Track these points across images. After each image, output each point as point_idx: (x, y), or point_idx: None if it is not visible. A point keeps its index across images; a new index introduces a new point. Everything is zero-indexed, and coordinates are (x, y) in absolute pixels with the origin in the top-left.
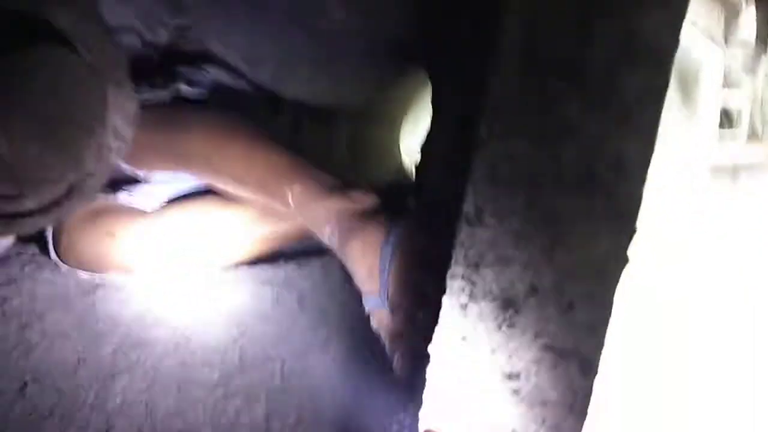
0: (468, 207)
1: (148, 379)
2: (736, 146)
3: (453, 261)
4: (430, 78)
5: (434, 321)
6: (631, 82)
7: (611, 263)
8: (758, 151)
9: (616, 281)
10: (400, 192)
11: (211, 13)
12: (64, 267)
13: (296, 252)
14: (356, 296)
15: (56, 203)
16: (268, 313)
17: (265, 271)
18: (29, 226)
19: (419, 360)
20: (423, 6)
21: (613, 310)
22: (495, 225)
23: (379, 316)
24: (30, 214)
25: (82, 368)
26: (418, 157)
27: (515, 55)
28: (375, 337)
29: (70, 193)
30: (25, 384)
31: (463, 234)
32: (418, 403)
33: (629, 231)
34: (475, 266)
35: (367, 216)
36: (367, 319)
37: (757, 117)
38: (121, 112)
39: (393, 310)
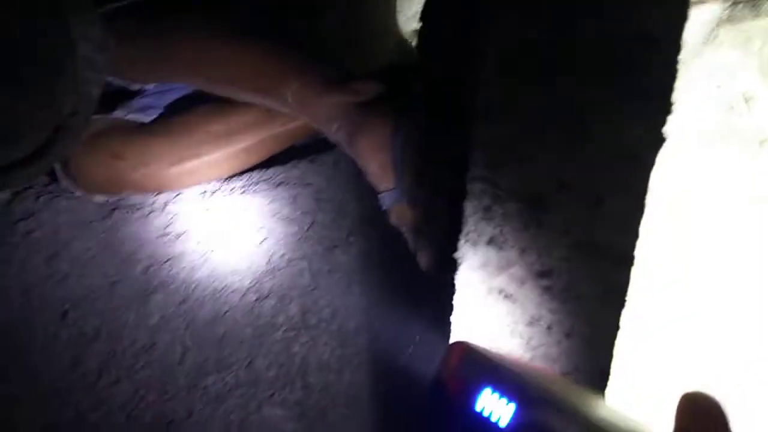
0: (482, 102)
1: (182, 293)
2: None
3: (472, 163)
4: None
5: (455, 213)
6: None
7: (644, 148)
8: None
9: (651, 167)
10: (403, 74)
11: None
12: (78, 192)
13: (308, 148)
14: (372, 188)
15: (45, 148)
16: (287, 214)
17: (280, 172)
18: (25, 177)
19: (443, 254)
20: None
21: (647, 199)
22: (513, 120)
23: (398, 211)
24: (21, 163)
25: (117, 290)
26: (417, 25)
27: None
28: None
29: (57, 134)
30: (66, 311)
31: (480, 133)
32: (445, 299)
33: (665, 109)
34: (496, 166)
35: (372, 108)
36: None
37: None
38: (89, 39)
39: (411, 204)
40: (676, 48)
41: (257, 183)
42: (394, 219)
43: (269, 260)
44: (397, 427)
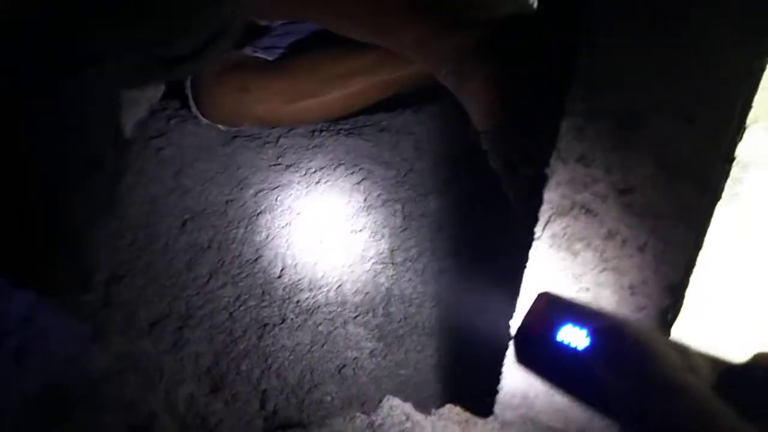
0: (588, 27)
1: (286, 217)
2: None
3: (574, 84)
4: None
5: (550, 149)
6: None
7: (737, 78)
8: None
9: (741, 94)
10: (520, 22)
11: None
12: (204, 120)
13: (413, 98)
14: (472, 140)
15: (205, 47)
16: (388, 158)
17: (384, 117)
18: (185, 70)
19: (533, 192)
20: None
21: (735, 124)
22: (615, 44)
23: (499, 152)
24: (184, 58)
25: (230, 208)
26: None
27: None
28: (493, 179)
29: (216, 38)
30: (185, 221)
31: (584, 56)
32: (532, 229)
33: (761, 42)
34: (594, 88)
35: (484, 51)
36: (485, 160)
37: None
38: None
39: (509, 144)
40: None
41: (362, 126)
42: (492, 159)
43: (366, 198)
44: (467, 361)
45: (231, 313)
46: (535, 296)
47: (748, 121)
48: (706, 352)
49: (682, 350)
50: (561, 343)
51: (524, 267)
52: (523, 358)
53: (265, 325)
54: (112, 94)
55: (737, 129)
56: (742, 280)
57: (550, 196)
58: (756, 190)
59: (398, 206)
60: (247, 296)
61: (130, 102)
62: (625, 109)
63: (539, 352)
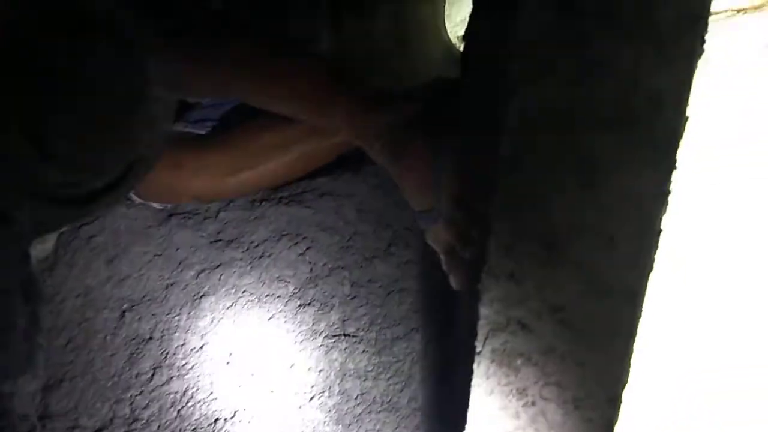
0: (504, 151)
1: (231, 297)
2: None
3: (496, 203)
4: None
5: (485, 241)
6: (665, 14)
7: (651, 198)
8: None
9: (659, 215)
10: (449, 87)
11: None
12: (137, 200)
13: (352, 158)
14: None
15: (122, 178)
16: (331, 224)
17: (324, 182)
18: (104, 205)
19: (474, 275)
20: None
21: (656, 243)
22: (533, 167)
23: (435, 231)
24: (101, 192)
25: (171, 293)
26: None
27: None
28: None
29: (133, 165)
30: (123, 312)
31: (502, 178)
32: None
33: (669, 165)
34: (517, 208)
35: (416, 127)
36: None
37: None
38: (160, 81)
39: (447, 226)
40: (681, 110)
41: (303, 193)
42: (430, 239)
43: (312, 269)
44: None
45: (179, 411)
46: None
47: None
48: None
49: None
50: None
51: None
52: None
53: (216, 420)
54: (24, 251)
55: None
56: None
57: (485, 312)
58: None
59: (345, 273)
60: (194, 390)
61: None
62: (548, 229)
63: None
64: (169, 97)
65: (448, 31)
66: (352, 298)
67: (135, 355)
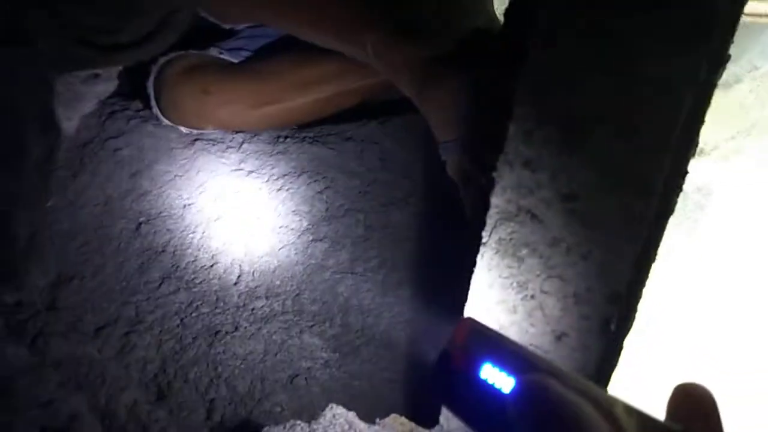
0: (541, 23)
1: (245, 223)
2: None
3: (521, 87)
4: None
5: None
6: None
7: (682, 87)
8: None
9: (685, 105)
10: (483, 36)
11: None
12: (165, 121)
13: (379, 110)
14: (436, 152)
15: (149, 36)
16: (351, 168)
17: (350, 127)
18: (127, 59)
19: (487, 199)
20: None
21: (681, 136)
22: (564, 48)
23: (454, 161)
24: (126, 46)
25: (187, 212)
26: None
27: None
28: (455, 191)
29: (161, 27)
30: (140, 224)
31: (534, 53)
32: (479, 234)
33: (702, 52)
34: (543, 92)
35: (445, 62)
36: (447, 175)
37: None
38: None
39: (467, 155)
40: None
41: (327, 135)
42: (449, 169)
43: (328, 208)
44: (421, 373)
45: (182, 319)
46: (459, 322)
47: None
48: (635, 408)
49: (609, 409)
50: (484, 383)
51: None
52: (439, 390)
53: (217, 332)
54: (43, 78)
55: (686, 142)
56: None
57: (497, 201)
58: (716, 217)
59: (360, 216)
60: (200, 302)
61: (75, 96)
62: (570, 115)
63: (458, 388)
64: None
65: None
66: (364, 240)
67: (146, 264)
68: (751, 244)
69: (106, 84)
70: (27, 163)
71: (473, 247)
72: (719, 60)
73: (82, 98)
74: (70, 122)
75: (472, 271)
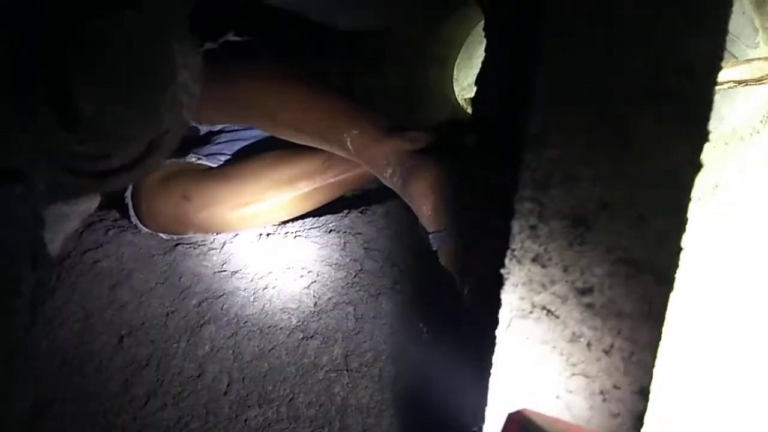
0: (533, 127)
1: (232, 326)
2: None
3: (520, 184)
4: (482, 5)
5: (502, 249)
6: None
7: (683, 171)
8: None
9: (690, 189)
10: (458, 128)
11: None
12: (144, 229)
13: (360, 200)
14: (420, 239)
15: (139, 160)
16: (337, 260)
17: (331, 220)
18: (118, 184)
19: (489, 289)
20: None
21: (686, 218)
22: (562, 143)
23: (446, 251)
24: (117, 171)
25: (171, 321)
26: (473, 92)
27: None
28: (442, 275)
29: (151, 150)
30: (122, 337)
31: (529, 155)
32: (492, 331)
33: (702, 135)
34: (543, 187)
35: (426, 155)
36: (434, 258)
37: None
38: (188, 67)
39: (460, 244)
40: (712, 79)
41: (310, 229)
42: (442, 259)
43: (316, 303)
44: None
45: None
46: (507, 418)
47: None
48: None
49: None
50: None
51: (488, 373)
52: None
53: None
54: (35, 212)
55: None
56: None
57: (509, 298)
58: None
59: (350, 309)
60: (189, 418)
61: (59, 217)
62: (575, 208)
63: None
64: (194, 86)
65: (456, 94)
66: (356, 333)
67: (130, 380)
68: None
69: (89, 202)
70: (20, 302)
71: (485, 344)
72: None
73: (66, 219)
74: (52, 244)
75: (487, 371)
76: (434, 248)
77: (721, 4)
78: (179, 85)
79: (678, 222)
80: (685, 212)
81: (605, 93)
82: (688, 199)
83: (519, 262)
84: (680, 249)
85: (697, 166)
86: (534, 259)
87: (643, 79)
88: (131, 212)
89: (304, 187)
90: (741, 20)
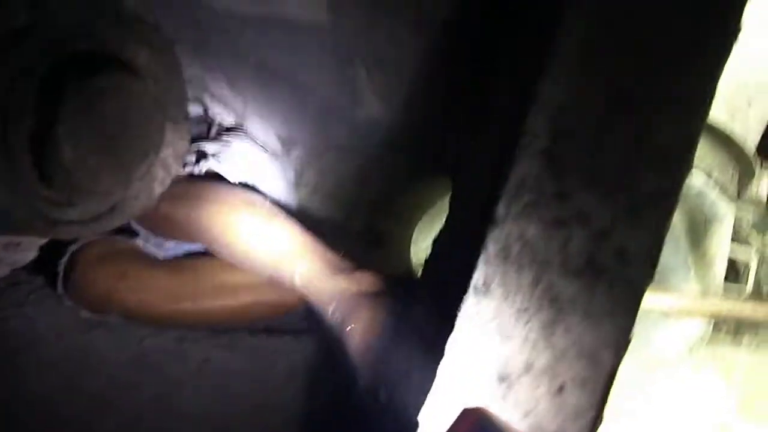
0: (477, 278)
1: (130, 422)
2: (740, 303)
3: (455, 329)
4: (452, 180)
5: (427, 391)
6: (644, 179)
7: (607, 350)
8: (762, 311)
9: (611, 369)
10: (403, 280)
11: (255, 85)
12: (68, 302)
13: (294, 323)
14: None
15: (97, 218)
16: (259, 379)
17: (261, 338)
18: (67, 233)
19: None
20: (452, 111)
21: (604, 398)
22: (500, 298)
23: (371, 389)
24: (72, 222)
25: (68, 400)
26: (428, 253)
27: (536, 153)
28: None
29: (112, 210)
30: (15, 407)
31: (469, 303)
32: None
33: (628, 321)
34: (475, 337)
35: (369, 298)
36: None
37: (765, 277)
38: (173, 147)
39: (380, 386)
40: (646, 271)
41: (238, 341)
42: (366, 396)
43: (230, 423)
44: None
45: None
46: (461, 413)
47: None
48: None
49: None
50: None
51: None
52: None
53: None
54: None
55: None
56: None
57: None
58: None
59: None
60: None
61: None
62: (501, 365)
63: None
64: (173, 165)
65: (412, 253)
66: None
67: None
68: None
69: (24, 253)
70: None
71: None
72: None
73: None
74: None
75: None
76: (359, 382)
77: (664, 202)
78: (160, 158)
79: (593, 400)
80: (603, 391)
81: (542, 259)
82: (607, 379)
83: (441, 407)
84: (598, 424)
85: (622, 347)
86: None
87: (581, 255)
88: (60, 280)
89: (243, 299)
90: (676, 256)
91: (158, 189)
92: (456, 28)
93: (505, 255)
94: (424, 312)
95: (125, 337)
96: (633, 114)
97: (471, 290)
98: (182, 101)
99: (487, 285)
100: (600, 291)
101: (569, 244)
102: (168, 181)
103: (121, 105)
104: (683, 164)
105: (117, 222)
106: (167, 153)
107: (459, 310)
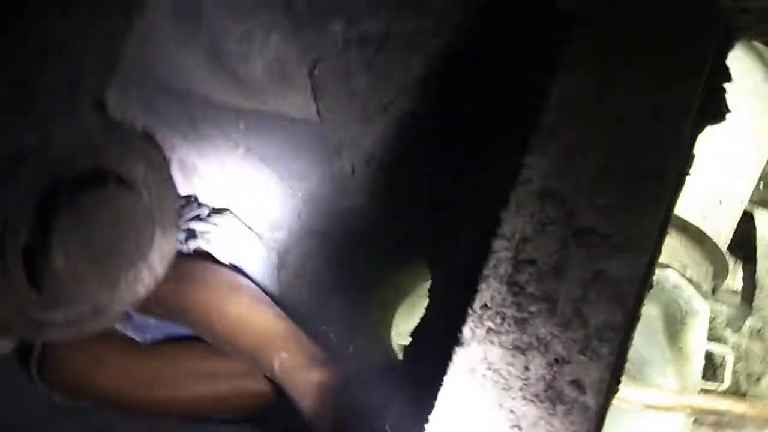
0: (444, 394)
1: None
2: (718, 399)
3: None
4: (431, 271)
5: None
6: (594, 314)
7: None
8: (740, 407)
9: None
10: (383, 376)
11: (244, 171)
12: (41, 387)
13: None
14: None
15: (80, 320)
16: None
17: (228, 427)
18: (50, 335)
19: None
20: (433, 208)
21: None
22: (465, 415)
23: None
24: (54, 325)
25: None
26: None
27: (499, 277)
28: None
29: (95, 314)
30: None
31: (437, 413)
32: None
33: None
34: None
35: (339, 390)
36: None
37: (742, 373)
38: (160, 252)
39: None
40: (600, 402)
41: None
42: None
43: None
44: None
45: None
46: None
47: None
48: None
49: None
50: None
51: None
52: None
53: None
54: None
55: None
56: None
57: None
58: None
59: None
60: None
61: None
62: None
63: None
64: (156, 273)
65: (392, 338)
66: None
67: None
68: None
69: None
70: None
71: None
72: None
73: None
74: None
75: None
76: None
77: (615, 336)
78: (146, 264)
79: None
80: None
81: (506, 383)
82: None
83: None
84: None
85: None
86: None
87: (539, 382)
88: (33, 363)
89: (220, 387)
90: (654, 349)
91: (142, 291)
92: (440, 134)
93: (470, 376)
94: (398, 411)
95: (99, 422)
96: (589, 248)
97: (438, 403)
98: (172, 208)
99: (453, 402)
100: (558, 417)
101: (529, 370)
102: (153, 284)
103: (113, 216)
104: (635, 300)
105: (99, 327)
106: (154, 258)
107: (428, 419)
